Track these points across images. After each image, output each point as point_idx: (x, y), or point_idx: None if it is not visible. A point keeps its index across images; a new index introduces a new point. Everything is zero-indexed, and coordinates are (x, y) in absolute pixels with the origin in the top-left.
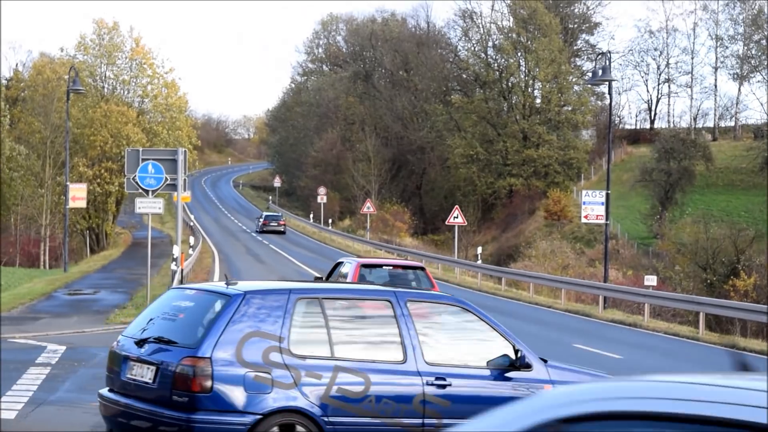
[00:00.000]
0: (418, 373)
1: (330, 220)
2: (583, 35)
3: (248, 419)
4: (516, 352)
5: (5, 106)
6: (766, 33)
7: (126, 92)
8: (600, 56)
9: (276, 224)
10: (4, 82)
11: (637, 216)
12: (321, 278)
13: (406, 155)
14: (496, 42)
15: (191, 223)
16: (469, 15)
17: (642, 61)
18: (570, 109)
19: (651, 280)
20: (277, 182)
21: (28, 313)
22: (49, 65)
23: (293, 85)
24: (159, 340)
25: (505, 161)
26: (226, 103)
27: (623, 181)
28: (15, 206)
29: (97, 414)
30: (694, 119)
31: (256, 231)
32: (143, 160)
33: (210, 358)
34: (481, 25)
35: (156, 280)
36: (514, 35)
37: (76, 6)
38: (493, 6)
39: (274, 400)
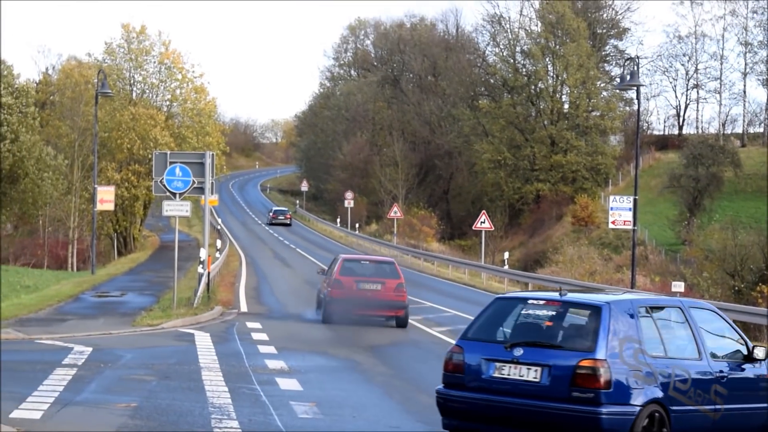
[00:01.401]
0: (710, 367)
1: (357, 225)
2: (612, 40)
3: (634, 410)
4: (749, 348)
5: (35, 109)
6: None
7: (155, 96)
8: (628, 61)
9: (283, 217)
10: (33, 85)
11: (665, 222)
12: (324, 270)
13: (434, 160)
14: (524, 47)
15: (218, 227)
16: (497, 20)
17: (670, 67)
18: (598, 114)
19: (678, 286)
20: (304, 186)
21: (56, 314)
22: (77, 69)
23: (321, 90)
24: (535, 344)
25: (532, 166)
26: (254, 106)
27: (651, 187)
28: (44, 208)
29: (123, 415)
30: (723, 125)
31: (267, 223)
32: (171, 163)
33: (606, 359)
34: (509, 30)
35: (183, 283)
36: (542, 40)
37: (106, 9)
38: (521, 11)
39: (647, 393)
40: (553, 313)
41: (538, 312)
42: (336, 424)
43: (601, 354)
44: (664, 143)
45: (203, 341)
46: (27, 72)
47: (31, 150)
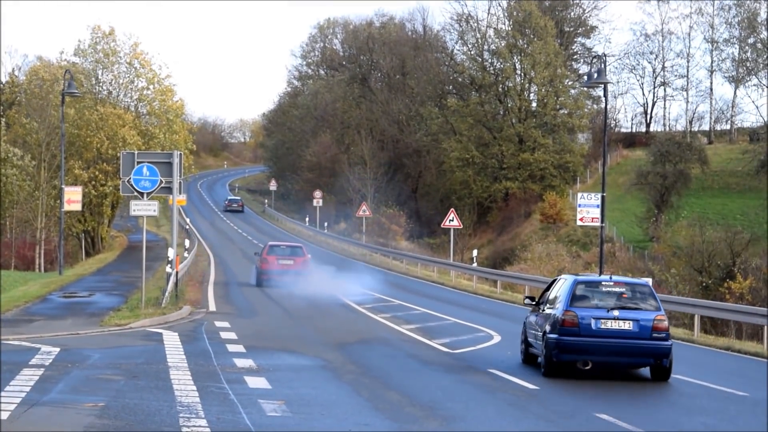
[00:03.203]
0: None
1: (326, 224)
2: (579, 38)
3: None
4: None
5: (1, 109)
6: (761, 36)
7: (123, 95)
8: (595, 59)
9: (236, 205)
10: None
11: (633, 219)
12: (258, 252)
13: (402, 159)
14: (492, 45)
15: (187, 226)
16: (465, 19)
17: (638, 65)
18: (566, 112)
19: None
20: (272, 186)
21: (23, 315)
22: (46, 69)
23: (289, 89)
24: (624, 307)
25: (501, 165)
26: (221, 106)
27: (619, 184)
28: (11, 209)
29: (90, 414)
30: (690, 122)
31: (223, 210)
32: (138, 162)
33: (663, 314)
34: (477, 29)
35: (151, 283)
36: (510, 38)
37: (74, 10)
38: (489, 9)
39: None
40: (624, 289)
41: (614, 289)
42: (305, 422)
43: (663, 312)
44: (631, 141)
45: (171, 341)
46: None
47: None
